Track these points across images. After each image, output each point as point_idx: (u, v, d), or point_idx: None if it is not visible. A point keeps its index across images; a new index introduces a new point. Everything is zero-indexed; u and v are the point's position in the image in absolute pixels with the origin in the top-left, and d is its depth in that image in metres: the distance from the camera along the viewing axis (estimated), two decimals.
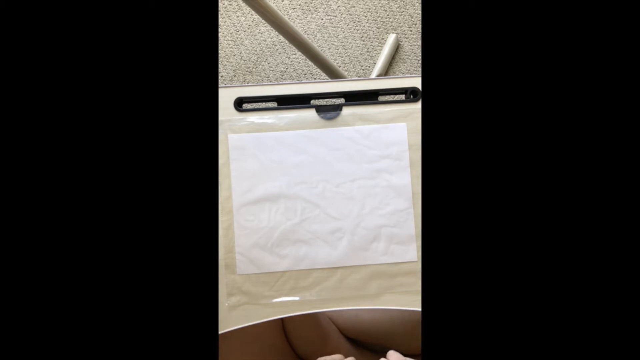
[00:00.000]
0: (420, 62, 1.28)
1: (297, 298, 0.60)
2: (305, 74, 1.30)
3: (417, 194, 0.60)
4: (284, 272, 0.61)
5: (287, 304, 0.60)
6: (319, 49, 1.05)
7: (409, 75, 1.18)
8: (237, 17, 1.34)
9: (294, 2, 1.34)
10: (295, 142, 0.62)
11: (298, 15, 1.33)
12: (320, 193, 0.61)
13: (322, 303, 0.60)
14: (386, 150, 0.61)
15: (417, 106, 0.62)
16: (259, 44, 1.32)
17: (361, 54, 1.30)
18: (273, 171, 0.62)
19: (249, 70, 1.32)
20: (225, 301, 0.59)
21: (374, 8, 1.31)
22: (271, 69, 1.31)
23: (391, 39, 1.27)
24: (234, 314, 0.59)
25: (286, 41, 1.12)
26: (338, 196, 0.61)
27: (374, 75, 1.25)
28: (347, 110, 0.62)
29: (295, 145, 0.62)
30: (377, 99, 0.63)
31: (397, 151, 0.61)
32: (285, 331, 0.70)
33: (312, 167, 0.62)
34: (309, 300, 0.60)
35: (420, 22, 1.29)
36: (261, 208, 0.62)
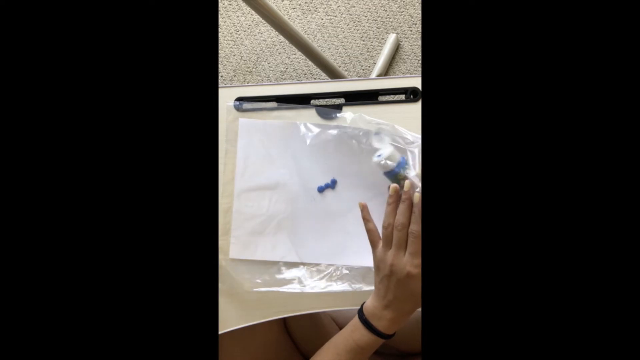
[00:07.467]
0: (420, 62, 1.28)
1: (281, 289, 0.59)
2: (305, 74, 1.30)
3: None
4: (274, 262, 0.60)
5: (270, 295, 0.59)
6: (319, 49, 1.05)
7: (409, 75, 1.19)
8: (237, 17, 1.34)
9: (294, 2, 1.34)
10: (304, 134, 0.61)
11: (298, 15, 1.33)
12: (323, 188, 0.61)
13: (306, 297, 0.59)
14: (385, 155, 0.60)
15: (417, 106, 0.62)
16: (259, 44, 1.33)
17: (361, 54, 1.30)
18: (278, 160, 0.62)
19: (249, 70, 1.32)
20: None
21: (374, 8, 1.31)
22: (271, 69, 1.31)
23: (391, 39, 1.27)
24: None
25: (286, 41, 1.12)
26: (340, 194, 0.61)
27: (374, 75, 1.25)
28: (347, 110, 0.62)
29: (303, 138, 0.61)
30: (377, 99, 0.63)
31: (401, 157, 0.60)
32: (287, 327, 0.70)
33: (318, 162, 0.61)
34: (292, 294, 0.59)
35: (420, 22, 1.29)
36: (262, 195, 0.61)
